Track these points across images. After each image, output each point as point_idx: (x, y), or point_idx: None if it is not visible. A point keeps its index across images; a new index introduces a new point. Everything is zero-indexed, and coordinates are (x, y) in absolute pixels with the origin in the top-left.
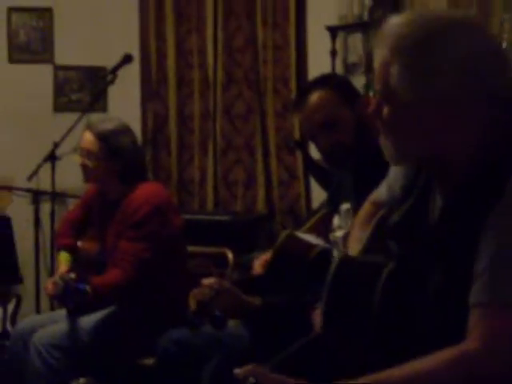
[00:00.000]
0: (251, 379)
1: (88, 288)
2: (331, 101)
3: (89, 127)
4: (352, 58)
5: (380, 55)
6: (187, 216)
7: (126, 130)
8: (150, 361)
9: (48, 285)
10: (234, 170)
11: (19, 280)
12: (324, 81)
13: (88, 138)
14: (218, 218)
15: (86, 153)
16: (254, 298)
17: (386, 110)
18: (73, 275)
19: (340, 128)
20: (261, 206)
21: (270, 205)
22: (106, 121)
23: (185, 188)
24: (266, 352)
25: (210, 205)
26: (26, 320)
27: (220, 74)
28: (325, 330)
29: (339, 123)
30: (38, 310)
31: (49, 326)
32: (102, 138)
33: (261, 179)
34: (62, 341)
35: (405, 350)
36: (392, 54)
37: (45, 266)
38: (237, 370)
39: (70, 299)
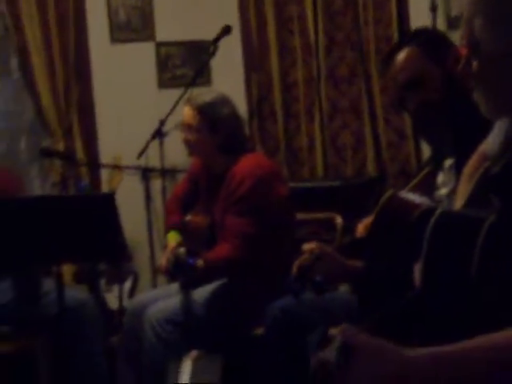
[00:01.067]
0: (339, 338)
1: (198, 262)
2: (416, 58)
3: (188, 101)
4: (455, 12)
5: (465, 8)
6: (297, 184)
7: (224, 101)
8: (260, 330)
9: (161, 261)
10: (342, 135)
11: (128, 259)
12: (412, 38)
13: (188, 112)
14: (328, 184)
15: (187, 127)
16: (356, 263)
17: (474, 65)
18: (183, 250)
19: (426, 86)
20: (371, 169)
21: (381, 167)
22: (204, 93)
23: (294, 156)
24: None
25: (319, 171)
26: (140, 296)
27: (321, 38)
28: (423, 286)
29: (425, 81)
30: (154, 286)
31: (162, 300)
32: (202, 110)
33: (369, 142)
34: (175, 315)
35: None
36: (475, 7)
37: (159, 242)
38: (332, 330)
39: (181, 274)
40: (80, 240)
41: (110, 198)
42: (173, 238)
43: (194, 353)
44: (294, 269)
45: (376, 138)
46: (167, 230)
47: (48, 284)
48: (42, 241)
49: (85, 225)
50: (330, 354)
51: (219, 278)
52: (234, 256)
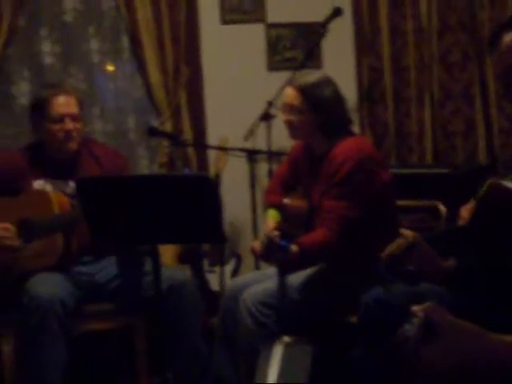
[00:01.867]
0: (421, 315)
1: (292, 246)
2: None
3: (290, 82)
4: None
5: None
6: (406, 171)
7: (327, 81)
8: (353, 318)
9: (255, 244)
10: (453, 121)
11: (224, 240)
12: None
13: (290, 93)
14: (437, 171)
15: (289, 108)
16: (448, 262)
17: None
18: (276, 233)
19: None
20: (482, 156)
21: (492, 155)
22: (306, 74)
23: (403, 141)
24: (471, 309)
25: (428, 158)
26: (239, 278)
27: (434, 21)
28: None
29: None
30: (257, 269)
31: (259, 283)
32: (304, 90)
33: (481, 129)
34: (271, 298)
35: None
36: None
37: (263, 225)
38: (415, 307)
39: (274, 256)
40: (180, 220)
41: (210, 179)
42: (272, 215)
43: (285, 338)
44: (384, 256)
45: (488, 125)
46: (266, 207)
47: (149, 263)
48: (145, 220)
49: (185, 205)
50: (411, 329)
51: (315, 263)
52: (330, 240)
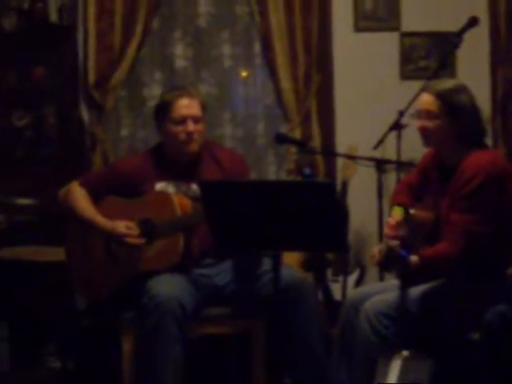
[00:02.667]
0: None
1: (412, 257)
2: None
3: (426, 89)
4: None
5: None
6: None
7: (464, 89)
8: (475, 335)
9: (374, 252)
10: None
11: (347, 249)
12: None
13: (426, 99)
14: None
15: (425, 113)
16: None
17: None
18: (396, 242)
19: None
20: None
21: None
22: (443, 81)
23: None
24: None
25: None
26: (361, 288)
27: None
28: None
29: None
30: (381, 280)
31: (381, 294)
32: (442, 96)
33: None
34: (391, 309)
35: None
36: None
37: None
38: None
39: (392, 265)
40: (303, 227)
41: (334, 186)
42: (398, 211)
43: (404, 352)
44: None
45: None
46: (392, 205)
47: (267, 263)
48: (268, 226)
49: (309, 212)
50: None
51: (436, 277)
52: (452, 254)
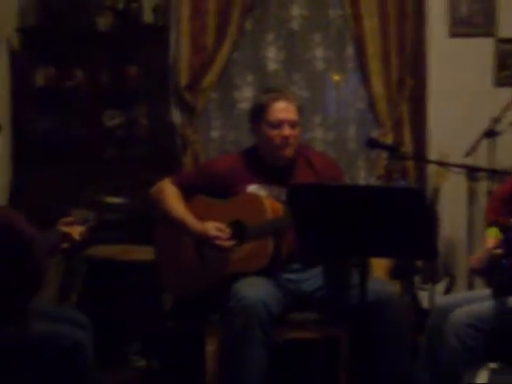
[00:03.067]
0: None
1: None
2: None
3: None
4: None
5: None
6: None
7: None
8: None
9: (472, 259)
10: None
11: (436, 257)
12: None
13: None
14: None
15: None
16: None
17: None
18: (499, 251)
19: None
20: None
21: None
22: None
23: None
24: None
25: None
26: (449, 296)
27: None
28: None
29: None
30: (470, 289)
31: (470, 304)
32: None
33: None
34: (481, 321)
35: None
36: None
37: (478, 245)
38: None
39: (492, 274)
40: (392, 234)
41: (424, 193)
42: (492, 233)
43: (492, 364)
44: None
45: None
46: (488, 225)
47: (356, 276)
48: (356, 232)
49: (398, 219)
50: None
51: None
52: None
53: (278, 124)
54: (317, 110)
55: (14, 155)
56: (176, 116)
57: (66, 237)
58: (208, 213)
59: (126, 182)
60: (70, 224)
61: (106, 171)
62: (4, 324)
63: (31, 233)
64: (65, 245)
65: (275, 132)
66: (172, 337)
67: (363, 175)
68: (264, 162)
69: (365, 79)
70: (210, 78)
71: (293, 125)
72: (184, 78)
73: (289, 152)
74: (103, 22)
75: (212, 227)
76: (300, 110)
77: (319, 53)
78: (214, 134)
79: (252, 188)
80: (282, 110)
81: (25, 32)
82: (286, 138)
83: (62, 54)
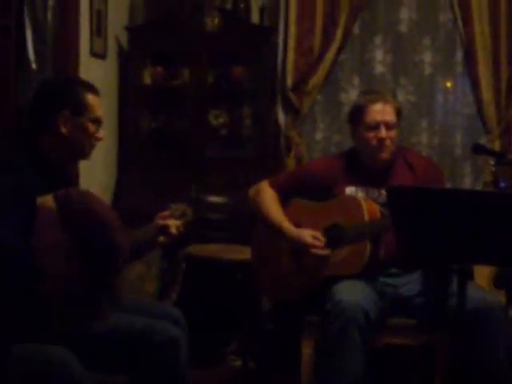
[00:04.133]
0: None
1: None
2: None
3: None
4: None
5: None
6: None
7: None
8: None
9: None
10: None
11: None
12: None
13: None
14: None
15: None
16: None
17: None
18: None
19: None
20: None
21: None
22: None
23: None
24: None
25: None
26: None
27: None
28: None
29: None
30: None
31: None
32: None
33: None
34: None
35: None
36: None
37: None
38: None
39: None
40: (497, 241)
41: None
42: None
43: None
44: None
45: None
46: None
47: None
48: (459, 237)
49: (503, 225)
50: None
51: None
52: None
53: (375, 126)
54: (423, 114)
55: (120, 153)
56: (281, 117)
57: (163, 230)
58: (305, 215)
59: (228, 182)
60: (167, 218)
61: (209, 170)
62: (87, 317)
63: (109, 216)
64: (161, 238)
65: (372, 134)
66: (269, 338)
67: (469, 182)
68: (362, 164)
69: (473, 84)
70: (315, 80)
71: (390, 127)
72: (290, 80)
73: (385, 154)
74: (211, 22)
75: (307, 235)
76: (399, 112)
77: (427, 57)
78: (319, 136)
79: (350, 190)
80: (380, 111)
81: (134, 30)
82: (382, 140)
83: (170, 52)
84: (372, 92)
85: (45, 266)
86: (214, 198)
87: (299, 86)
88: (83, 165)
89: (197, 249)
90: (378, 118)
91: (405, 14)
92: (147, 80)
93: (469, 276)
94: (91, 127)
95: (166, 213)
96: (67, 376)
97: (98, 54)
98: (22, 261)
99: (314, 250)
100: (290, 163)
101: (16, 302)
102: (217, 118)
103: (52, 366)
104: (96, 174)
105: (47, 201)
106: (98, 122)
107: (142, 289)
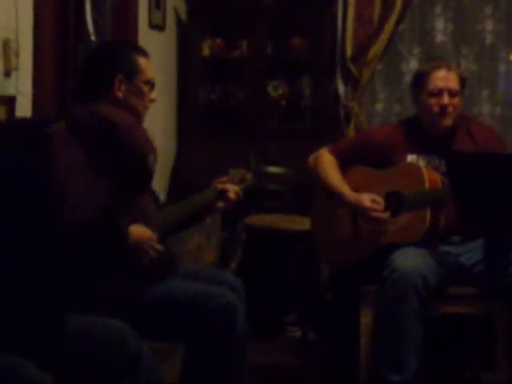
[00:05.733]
0: None
1: None
2: None
3: None
4: None
5: None
6: None
7: None
8: None
9: None
10: None
11: None
12: None
13: None
14: None
15: None
16: None
17: None
18: None
19: None
20: None
21: None
22: None
23: None
24: None
25: None
26: None
27: None
28: None
29: None
30: None
31: None
32: None
33: None
34: None
35: None
36: None
37: None
38: None
39: None
40: None
41: None
42: None
43: None
44: None
45: None
46: None
47: None
48: None
49: None
50: None
51: None
52: None
53: (438, 92)
54: (484, 84)
55: (179, 124)
56: (340, 88)
57: (221, 195)
58: (366, 183)
59: (287, 153)
60: (226, 182)
61: (268, 141)
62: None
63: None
64: (220, 204)
65: (434, 100)
66: (328, 308)
67: None
68: (423, 132)
69: None
70: (375, 49)
71: (453, 94)
72: (349, 50)
73: (447, 121)
74: None
75: (367, 198)
76: (463, 80)
77: (489, 26)
78: (379, 106)
79: (411, 158)
80: (442, 78)
81: (192, 2)
82: (444, 107)
83: (228, 24)
84: (435, 59)
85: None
86: (274, 169)
87: (359, 56)
88: None
89: (256, 219)
90: (441, 84)
91: None
92: (206, 52)
93: None
94: (145, 89)
95: (225, 178)
96: (124, 350)
97: (157, 26)
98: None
99: (373, 214)
100: (350, 134)
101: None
102: (276, 90)
103: (109, 340)
104: (156, 144)
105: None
106: (150, 83)
107: (202, 259)
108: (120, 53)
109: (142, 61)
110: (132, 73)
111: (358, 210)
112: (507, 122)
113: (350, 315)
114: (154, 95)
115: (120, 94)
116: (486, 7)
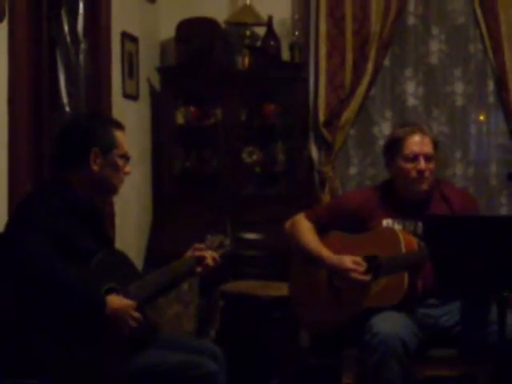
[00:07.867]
0: None
1: None
2: None
3: None
4: None
5: None
6: None
7: None
8: None
9: None
10: None
11: None
12: None
13: None
14: None
15: None
16: None
17: None
18: None
19: None
20: None
21: None
22: None
23: None
24: None
25: None
26: None
27: None
28: None
29: None
30: None
31: None
32: None
33: None
34: None
35: None
36: None
37: None
38: None
39: None
40: None
41: None
42: None
43: None
44: None
45: None
46: None
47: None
48: (495, 266)
49: None
50: None
51: None
52: None
53: (414, 157)
54: (457, 145)
55: (154, 193)
56: (314, 153)
57: (200, 261)
58: (342, 247)
59: (263, 219)
60: (203, 249)
61: (243, 208)
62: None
63: None
64: (198, 269)
65: (411, 165)
66: (311, 372)
67: (505, 212)
68: (399, 196)
69: (506, 114)
70: (347, 114)
71: (428, 158)
72: (322, 115)
73: (424, 186)
74: (241, 61)
75: (348, 260)
76: (436, 144)
77: (459, 88)
78: (353, 170)
79: (386, 222)
80: (418, 143)
81: (165, 71)
82: (421, 172)
83: (202, 92)
84: (409, 124)
85: None
86: (250, 235)
87: (331, 121)
88: (118, 205)
89: (233, 286)
90: (417, 149)
91: (435, 46)
92: (180, 120)
93: (508, 304)
94: (120, 163)
95: (202, 245)
96: None
97: (131, 96)
98: None
99: (354, 275)
100: (325, 199)
101: None
102: (250, 156)
103: None
104: (131, 214)
105: None
106: (125, 157)
107: (180, 327)
108: (96, 126)
109: (118, 134)
110: (108, 147)
111: (338, 272)
112: (480, 183)
113: (333, 379)
114: (128, 168)
115: (96, 168)
116: (456, 70)
